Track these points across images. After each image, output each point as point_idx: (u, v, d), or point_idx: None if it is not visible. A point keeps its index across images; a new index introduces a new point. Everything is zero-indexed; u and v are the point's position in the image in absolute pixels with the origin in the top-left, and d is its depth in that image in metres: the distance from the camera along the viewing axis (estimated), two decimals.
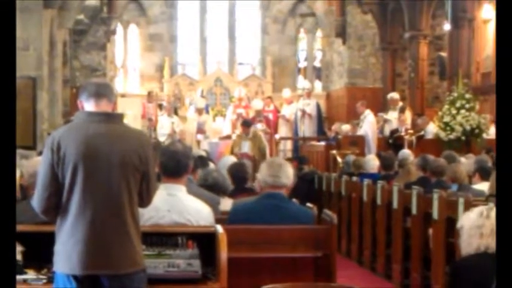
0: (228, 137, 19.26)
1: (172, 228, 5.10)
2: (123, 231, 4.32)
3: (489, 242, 4.60)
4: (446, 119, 14.39)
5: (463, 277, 4.62)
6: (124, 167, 4.34)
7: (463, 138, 14.16)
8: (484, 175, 8.94)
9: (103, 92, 4.47)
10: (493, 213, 4.63)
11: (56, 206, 4.35)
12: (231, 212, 5.97)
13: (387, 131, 17.32)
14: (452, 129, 14.27)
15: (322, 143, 17.78)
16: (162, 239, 4.89)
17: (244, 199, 6.65)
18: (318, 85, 25.50)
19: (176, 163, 5.30)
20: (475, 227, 4.66)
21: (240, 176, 7.80)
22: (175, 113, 20.99)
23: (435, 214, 8.19)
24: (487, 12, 17.21)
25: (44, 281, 4.73)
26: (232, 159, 9.30)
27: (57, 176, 4.32)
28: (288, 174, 5.84)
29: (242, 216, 5.72)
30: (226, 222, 5.58)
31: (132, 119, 19.69)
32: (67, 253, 4.30)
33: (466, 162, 10.62)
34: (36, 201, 4.38)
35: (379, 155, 12.60)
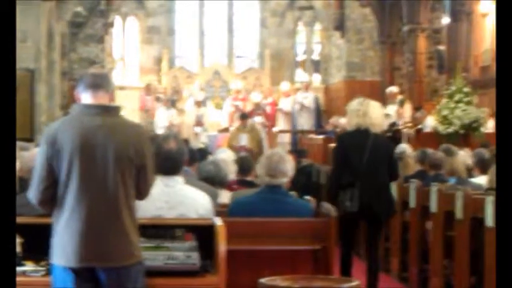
0: (227, 129, 19.24)
1: (171, 220, 5.10)
2: (118, 224, 4.31)
3: (361, 122, 7.53)
4: (445, 112, 14.34)
5: (342, 142, 7.80)
6: (119, 160, 4.31)
7: (462, 131, 14.13)
8: (482, 168, 8.92)
9: (99, 83, 4.43)
10: (366, 102, 7.61)
11: (52, 198, 4.34)
12: (231, 205, 5.96)
13: (386, 124, 17.27)
14: (451, 123, 14.23)
15: (321, 136, 17.76)
16: (161, 231, 4.88)
17: (243, 192, 6.63)
18: (317, 78, 25.45)
19: (171, 163, 5.24)
20: (355, 110, 7.63)
21: (244, 168, 7.78)
22: (173, 105, 20.96)
23: (433, 207, 8.19)
24: (485, 6, 17.18)
25: (42, 272, 4.72)
26: (228, 152, 9.25)
27: (53, 169, 4.31)
28: (288, 167, 5.83)
29: (242, 210, 5.71)
30: (227, 215, 5.57)
31: (131, 112, 19.67)
32: (63, 245, 4.29)
33: (464, 156, 10.60)
34: (33, 193, 4.37)
35: None
